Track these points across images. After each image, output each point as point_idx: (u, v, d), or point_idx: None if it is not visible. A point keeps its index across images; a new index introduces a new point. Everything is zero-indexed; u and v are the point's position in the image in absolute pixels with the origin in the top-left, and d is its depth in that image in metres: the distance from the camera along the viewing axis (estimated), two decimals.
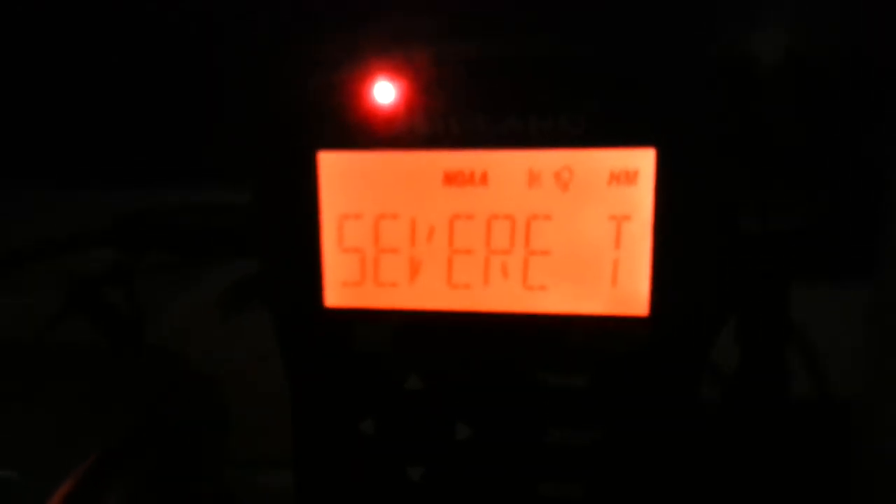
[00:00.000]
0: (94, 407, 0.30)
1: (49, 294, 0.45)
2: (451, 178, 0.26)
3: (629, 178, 0.25)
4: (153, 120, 0.52)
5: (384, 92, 0.25)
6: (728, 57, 0.27)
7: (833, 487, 0.33)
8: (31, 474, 0.26)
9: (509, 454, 0.27)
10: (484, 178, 0.26)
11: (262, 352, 0.30)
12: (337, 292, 0.27)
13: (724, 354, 0.31)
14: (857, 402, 0.34)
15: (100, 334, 0.44)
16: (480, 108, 0.25)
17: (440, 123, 0.25)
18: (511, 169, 0.26)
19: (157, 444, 0.30)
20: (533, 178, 0.26)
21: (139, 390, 0.32)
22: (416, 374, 0.27)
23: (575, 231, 0.26)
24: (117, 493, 0.27)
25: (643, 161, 0.25)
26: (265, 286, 0.28)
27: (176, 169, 0.51)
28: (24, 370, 0.33)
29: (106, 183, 0.52)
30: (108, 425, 0.29)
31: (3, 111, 0.53)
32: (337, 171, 0.26)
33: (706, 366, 0.29)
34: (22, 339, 0.40)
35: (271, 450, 0.35)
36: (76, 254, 0.41)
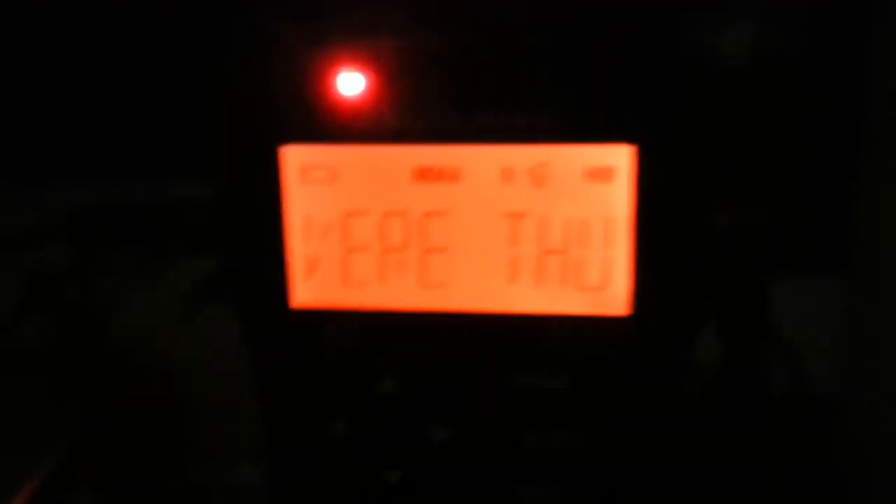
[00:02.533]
0: (47, 408, 0.29)
1: (2, 290, 0.43)
2: (421, 174, 0.25)
3: (605, 174, 0.24)
4: (114, 109, 0.49)
5: (350, 82, 0.24)
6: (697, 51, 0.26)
7: (810, 482, 0.33)
8: None
9: (487, 457, 0.26)
10: (456, 174, 0.25)
11: (227, 345, 0.29)
12: (303, 292, 0.26)
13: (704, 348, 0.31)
14: (835, 397, 0.33)
15: (59, 332, 0.43)
16: (452, 101, 0.24)
17: (409, 117, 0.24)
18: (484, 164, 0.25)
19: (116, 443, 0.29)
20: (506, 174, 0.25)
21: (94, 388, 0.30)
22: (388, 377, 0.26)
23: (551, 229, 0.25)
24: (80, 494, 0.26)
25: (620, 158, 0.24)
26: (229, 286, 0.26)
27: (136, 161, 0.49)
28: None
29: (62, 174, 0.50)
30: (62, 426, 0.27)
31: None
32: (301, 165, 0.25)
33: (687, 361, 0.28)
34: None
35: (242, 443, 0.34)
36: (30, 250, 0.39)
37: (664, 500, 0.26)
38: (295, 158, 0.25)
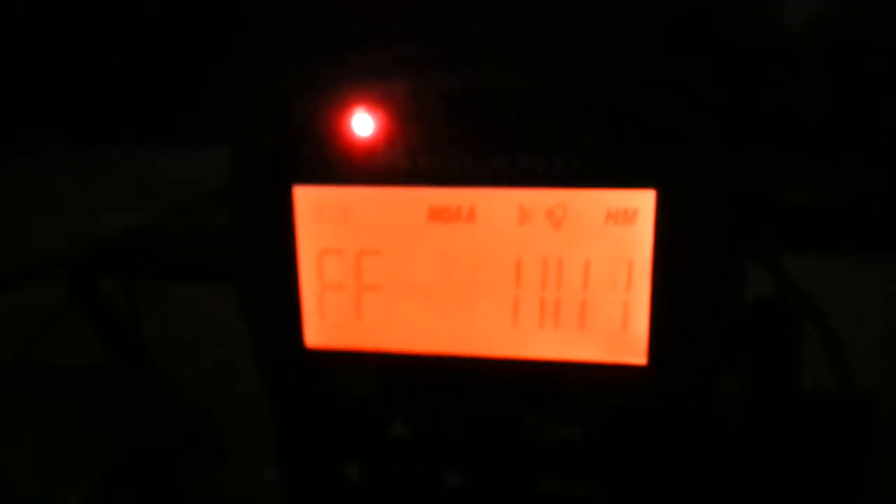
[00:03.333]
0: (82, 438, 0.29)
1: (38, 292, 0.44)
2: (436, 214, 0.24)
3: (628, 217, 0.23)
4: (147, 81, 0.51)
5: (363, 124, 0.24)
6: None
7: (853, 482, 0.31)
8: None
9: (500, 503, 0.26)
10: (471, 215, 0.24)
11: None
12: (317, 332, 0.26)
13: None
14: (880, 393, 0.32)
15: (98, 335, 0.44)
16: (466, 144, 0.23)
17: (422, 159, 0.24)
18: (500, 206, 0.24)
19: (147, 475, 0.30)
20: (524, 215, 0.24)
21: (129, 423, 0.31)
22: (400, 421, 0.26)
23: (569, 272, 0.24)
24: None
25: (643, 201, 0.23)
26: (246, 324, 0.26)
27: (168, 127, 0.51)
28: (11, 395, 0.33)
29: (107, 139, 0.52)
30: (95, 459, 0.28)
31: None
32: (314, 206, 0.25)
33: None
34: (8, 357, 0.40)
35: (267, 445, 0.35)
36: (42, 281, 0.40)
37: None
38: (308, 199, 0.25)
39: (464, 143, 0.23)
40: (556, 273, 0.24)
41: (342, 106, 0.23)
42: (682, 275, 0.23)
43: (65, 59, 0.53)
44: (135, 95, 0.53)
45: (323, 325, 0.26)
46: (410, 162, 0.24)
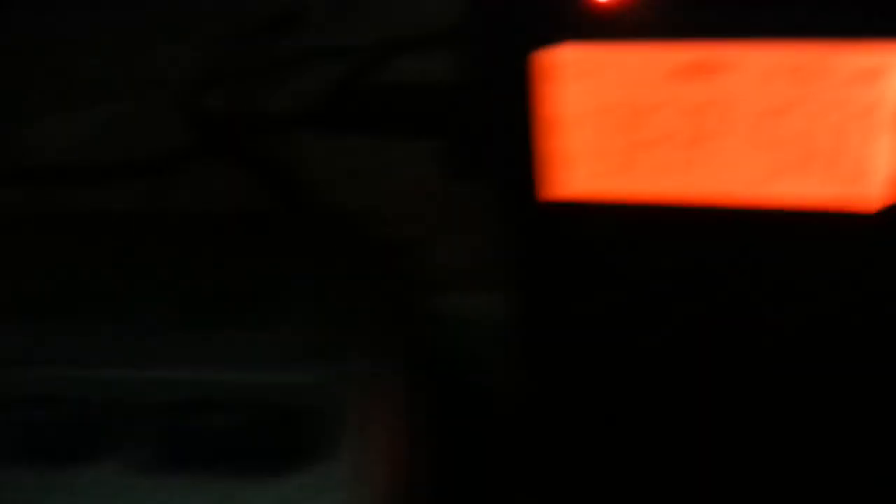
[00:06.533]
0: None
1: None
2: (682, 71, 0.24)
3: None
4: None
5: None
6: None
7: None
8: None
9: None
10: (717, 70, 0.24)
11: None
12: (555, 187, 0.26)
13: None
14: None
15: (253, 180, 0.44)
16: None
17: (669, 10, 0.23)
18: (751, 61, 0.23)
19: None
20: (772, 71, 0.24)
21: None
22: (639, 270, 0.27)
23: (815, 126, 0.24)
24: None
25: None
26: (479, 181, 0.27)
27: None
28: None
29: None
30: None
31: None
32: (555, 64, 0.24)
33: None
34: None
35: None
36: None
37: None
38: (548, 57, 0.24)
39: None
40: (802, 128, 0.24)
41: None
42: None
43: None
44: None
45: (562, 180, 0.26)
46: (656, 15, 0.23)
